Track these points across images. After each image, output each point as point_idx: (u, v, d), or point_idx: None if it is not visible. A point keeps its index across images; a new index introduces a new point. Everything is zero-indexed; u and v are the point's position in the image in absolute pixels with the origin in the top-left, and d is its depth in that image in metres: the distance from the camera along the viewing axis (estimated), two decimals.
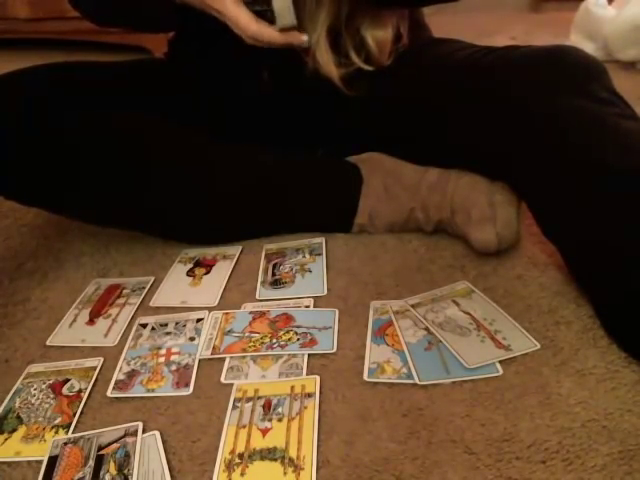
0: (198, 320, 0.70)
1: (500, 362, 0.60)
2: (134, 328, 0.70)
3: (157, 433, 0.55)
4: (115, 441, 0.54)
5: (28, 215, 0.96)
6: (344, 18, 0.75)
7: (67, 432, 0.56)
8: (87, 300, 0.76)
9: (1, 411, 0.59)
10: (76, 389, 0.61)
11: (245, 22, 0.65)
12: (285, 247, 0.84)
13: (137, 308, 0.74)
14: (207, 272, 0.80)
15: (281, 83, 0.81)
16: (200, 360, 0.64)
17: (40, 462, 0.53)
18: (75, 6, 0.79)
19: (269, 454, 0.51)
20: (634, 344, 0.60)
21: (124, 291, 0.77)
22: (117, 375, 0.63)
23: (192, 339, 0.67)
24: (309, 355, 0.63)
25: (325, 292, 0.74)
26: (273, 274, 0.78)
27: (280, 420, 0.55)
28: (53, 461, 0.53)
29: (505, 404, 0.56)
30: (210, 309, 0.72)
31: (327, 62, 0.76)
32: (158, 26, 0.86)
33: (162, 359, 0.64)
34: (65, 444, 0.54)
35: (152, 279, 0.79)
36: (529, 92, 0.67)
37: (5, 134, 0.72)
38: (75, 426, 0.57)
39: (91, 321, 0.72)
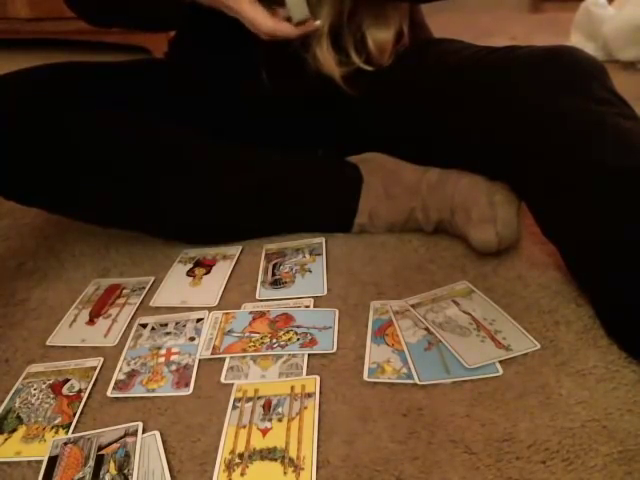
0: (198, 320, 0.70)
1: (500, 362, 0.60)
2: (134, 328, 0.70)
3: (157, 433, 0.55)
4: (115, 441, 0.54)
5: (28, 215, 0.96)
6: (346, 16, 0.75)
7: (67, 432, 0.56)
8: (87, 300, 0.76)
9: (1, 411, 0.59)
10: (76, 389, 0.61)
11: (261, 20, 0.66)
12: (285, 247, 0.84)
13: (137, 308, 0.74)
14: (207, 272, 0.80)
15: (281, 83, 0.81)
16: (200, 360, 0.64)
17: (40, 462, 0.53)
18: (70, 5, 0.79)
19: (269, 454, 0.51)
20: (634, 344, 0.60)
21: (124, 291, 0.77)
22: (117, 375, 0.63)
23: (192, 339, 0.67)
24: (309, 355, 0.63)
25: (325, 292, 0.74)
26: (273, 274, 0.78)
27: (280, 420, 0.55)
28: (53, 461, 0.53)
29: (505, 404, 0.56)
30: (210, 309, 0.72)
31: (328, 60, 0.76)
32: (164, 25, 0.86)
33: (162, 359, 0.64)
34: (65, 444, 0.54)
35: (152, 279, 0.79)
36: (529, 92, 0.67)
37: (5, 134, 0.72)
38: (75, 426, 0.57)
39: (91, 321, 0.72)
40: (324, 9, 0.73)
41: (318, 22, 0.68)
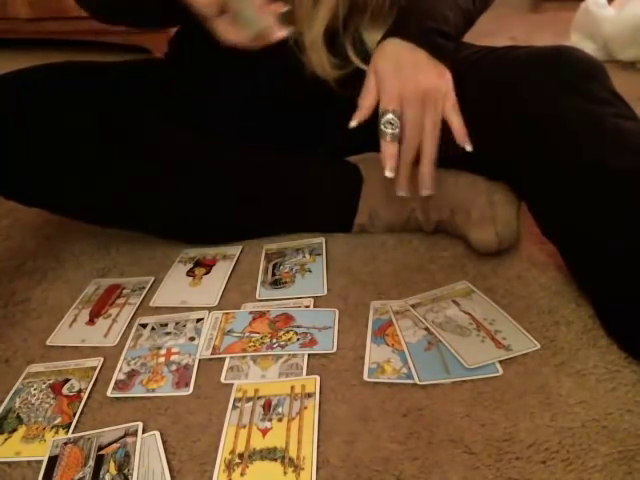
0: (198, 320, 0.70)
1: (500, 362, 0.60)
2: (134, 328, 0.70)
3: (157, 433, 0.55)
4: (115, 441, 0.54)
5: (28, 215, 0.96)
6: (342, 19, 0.75)
7: (67, 432, 0.56)
8: (87, 300, 0.76)
9: (1, 411, 0.59)
10: (76, 389, 0.61)
11: (223, 30, 0.64)
12: (285, 247, 0.84)
13: (137, 308, 0.74)
14: (207, 272, 0.80)
15: (280, 84, 0.81)
16: (200, 360, 0.64)
17: (40, 462, 0.53)
18: (81, 4, 0.79)
19: (269, 454, 0.51)
20: (634, 344, 0.60)
21: (124, 291, 0.77)
22: (117, 375, 0.63)
23: (192, 339, 0.67)
24: (309, 355, 0.63)
25: (325, 292, 0.74)
26: (273, 274, 0.78)
27: (280, 420, 0.55)
28: (53, 461, 0.53)
29: (505, 404, 0.56)
30: (210, 309, 0.72)
31: (323, 63, 0.76)
32: (159, 22, 0.86)
33: (162, 359, 0.64)
34: (65, 444, 0.54)
35: (152, 279, 0.79)
36: (529, 92, 0.67)
37: (5, 134, 0.72)
38: (75, 426, 0.57)
39: (91, 321, 0.72)
40: (319, 12, 0.73)
41: (283, 32, 0.65)
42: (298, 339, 0.65)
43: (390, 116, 0.68)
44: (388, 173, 0.69)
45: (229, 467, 0.51)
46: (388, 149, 0.69)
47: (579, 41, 1.68)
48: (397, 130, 0.68)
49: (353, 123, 0.70)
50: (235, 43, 0.65)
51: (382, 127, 0.69)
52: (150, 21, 0.83)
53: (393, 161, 0.69)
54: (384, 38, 0.71)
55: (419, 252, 0.81)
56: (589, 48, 1.60)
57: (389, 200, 0.82)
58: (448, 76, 0.69)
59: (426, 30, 0.69)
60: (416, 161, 0.70)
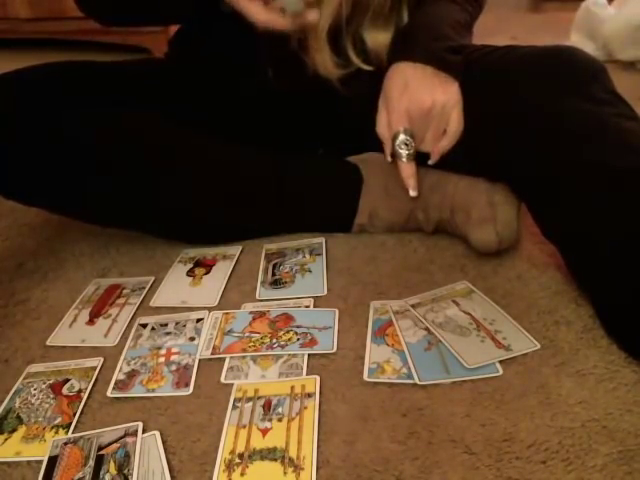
0: (198, 320, 0.70)
1: (500, 362, 0.60)
2: (134, 328, 0.70)
3: (157, 433, 0.55)
4: (115, 441, 0.54)
5: (28, 215, 0.96)
6: (345, 20, 0.75)
7: (67, 432, 0.56)
8: (87, 300, 0.76)
9: (1, 411, 0.59)
10: (76, 389, 0.61)
11: (254, 11, 0.64)
12: (285, 247, 0.84)
13: (137, 308, 0.74)
14: (207, 272, 0.80)
15: (282, 83, 0.81)
16: (200, 360, 0.64)
17: (40, 462, 0.53)
18: (80, 5, 0.79)
19: (269, 454, 0.51)
20: (634, 344, 0.60)
21: (124, 291, 0.77)
22: (117, 375, 0.63)
23: (192, 339, 0.67)
24: (309, 355, 0.63)
25: (325, 292, 0.74)
26: (273, 274, 0.78)
27: (280, 420, 0.55)
28: (53, 461, 0.53)
29: (505, 404, 0.56)
30: (210, 309, 0.72)
31: (326, 63, 0.76)
32: (175, 17, 0.86)
33: (162, 359, 0.64)
34: (65, 444, 0.54)
35: (152, 279, 0.79)
36: (529, 92, 0.67)
37: (5, 134, 0.72)
38: (75, 426, 0.57)
39: (91, 321, 0.72)
40: (324, 13, 0.73)
41: (314, 15, 0.64)
42: (298, 339, 0.65)
43: (403, 137, 0.69)
44: (412, 193, 0.72)
45: (229, 467, 0.51)
46: (406, 170, 0.72)
47: (579, 41, 1.68)
48: (412, 150, 0.70)
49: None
50: (266, 25, 0.64)
51: (397, 149, 0.70)
52: (155, 20, 0.83)
53: (414, 180, 0.71)
54: (391, 62, 0.72)
55: (419, 252, 0.81)
56: (589, 48, 1.60)
57: (389, 200, 0.82)
58: (454, 89, 0.70)
59: (432, 48, 0.70)
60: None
